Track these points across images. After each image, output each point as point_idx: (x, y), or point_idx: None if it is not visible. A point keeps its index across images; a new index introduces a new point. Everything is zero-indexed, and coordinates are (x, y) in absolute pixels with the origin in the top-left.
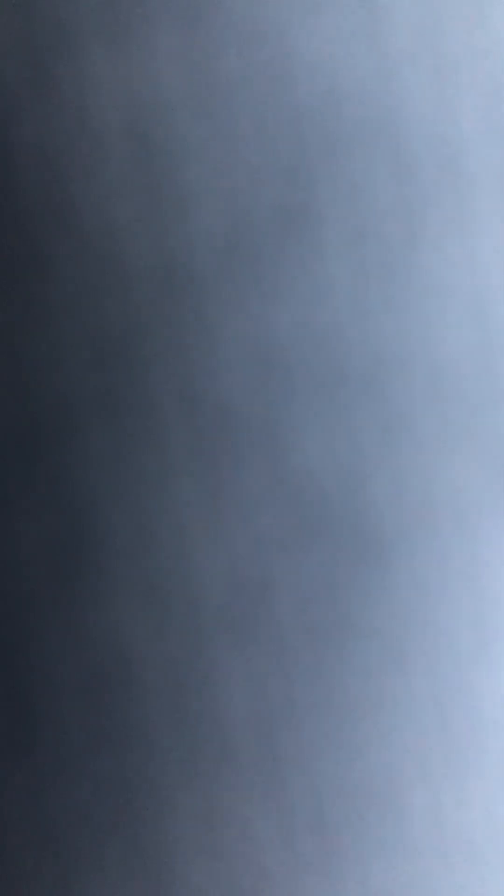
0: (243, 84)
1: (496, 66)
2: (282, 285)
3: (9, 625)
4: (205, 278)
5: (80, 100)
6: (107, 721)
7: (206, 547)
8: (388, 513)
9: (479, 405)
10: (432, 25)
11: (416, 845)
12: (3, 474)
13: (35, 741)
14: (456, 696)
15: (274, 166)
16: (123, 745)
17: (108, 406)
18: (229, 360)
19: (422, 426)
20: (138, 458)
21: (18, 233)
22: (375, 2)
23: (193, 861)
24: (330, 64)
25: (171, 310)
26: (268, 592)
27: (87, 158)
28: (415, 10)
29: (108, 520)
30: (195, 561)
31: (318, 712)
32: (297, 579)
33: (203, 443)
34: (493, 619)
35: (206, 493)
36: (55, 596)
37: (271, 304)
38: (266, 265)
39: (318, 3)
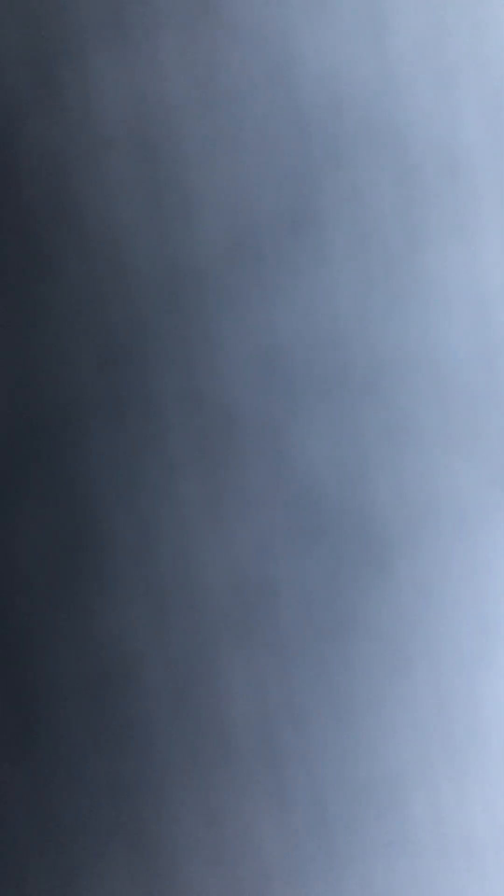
0: (247, 89)
1: (500, 73)
2: (285, 289)
3: (10, 625)
4: (209, 282)
5: (84, 104)
6: (109, 721)
7: (209, 548)
8: (391, 514)
9: (482, 407)
10: (436, 32)
11: (417, 845)
12: (6, 476)
13: (37, 742)
14: (458, 697)
15: (278, 171)
16: (125, 746)
17: (111, 408)
18: (233, 363)
19: (425, 428)
20: (141, 460)
21: (22, 236)
22: (379, 8)
23: (195, 861)
24: (334, 70)
25: (174, 313)
26: (270, 593)
27: (92, 162)
28: (419, 17)
29: (110, 521)
30: (198, 562)
31: (320, 713)
32: (299, 580)
33: (206, 444)
34: (496, 621)
35: (208, 494)
36: (57, 596)
37: (275, 308)
38: (270, 269)
39: (322, 10)
